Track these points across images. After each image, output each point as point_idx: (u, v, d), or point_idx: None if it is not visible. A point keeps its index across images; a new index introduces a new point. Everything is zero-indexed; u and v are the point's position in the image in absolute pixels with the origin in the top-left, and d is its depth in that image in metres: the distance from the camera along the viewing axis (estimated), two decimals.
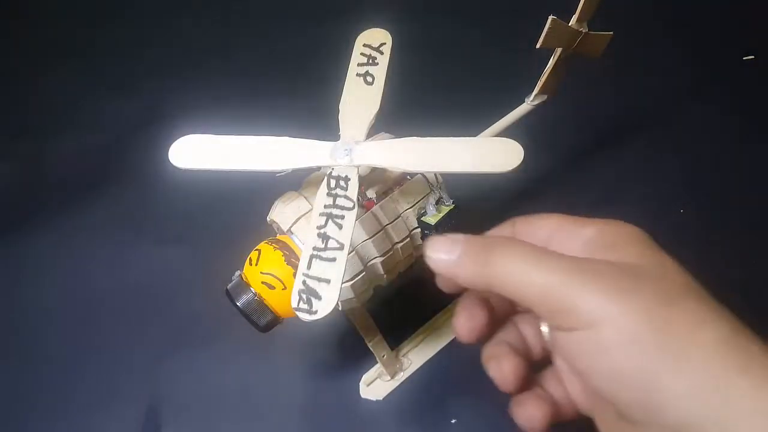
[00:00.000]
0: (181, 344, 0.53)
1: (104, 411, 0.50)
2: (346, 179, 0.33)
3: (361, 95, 0.37)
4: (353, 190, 0.33)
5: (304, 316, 0.29)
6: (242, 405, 0.50)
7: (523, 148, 0.31)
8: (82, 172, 0.67)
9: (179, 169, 0.34)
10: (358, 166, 0.34)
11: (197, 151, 0.34)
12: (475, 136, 0.46)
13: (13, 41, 0.81)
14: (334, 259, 0.30)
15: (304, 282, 0.29)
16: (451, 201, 0.40)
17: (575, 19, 0.41)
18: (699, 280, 0.27)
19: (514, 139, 0.32)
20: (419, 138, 0.34)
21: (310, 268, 0.30)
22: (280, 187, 0.40)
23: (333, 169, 0.34)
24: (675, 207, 0.58)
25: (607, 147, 0.63)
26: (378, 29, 0.39)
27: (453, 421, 0.48)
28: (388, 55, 0.38)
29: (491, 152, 0.31)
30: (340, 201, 0.32)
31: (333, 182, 0.33)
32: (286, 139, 0.35)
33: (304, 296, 0.29)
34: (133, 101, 0.72)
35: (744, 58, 0.69)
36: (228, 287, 0.38)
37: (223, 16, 0.81)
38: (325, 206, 0.32)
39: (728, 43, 0.71)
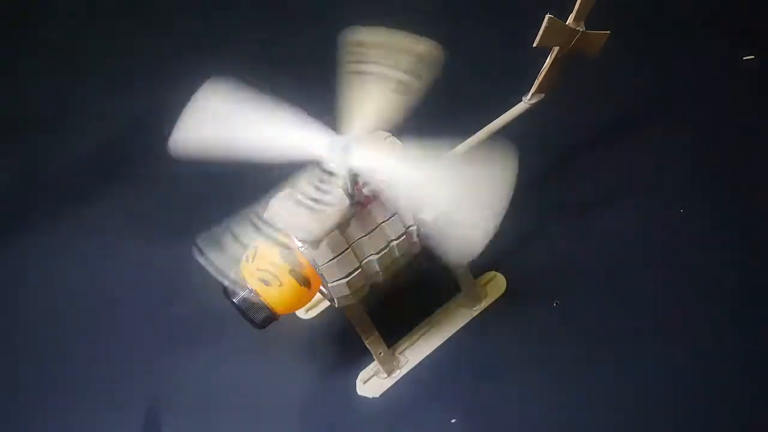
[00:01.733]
0: (181, 344, 0.53)
1: (104, 411, 0.51)
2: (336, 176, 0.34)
3: (366, 94, 0.36)
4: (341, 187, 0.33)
5: None
6: (240, 402, 0.50)
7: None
8: (83, 172, 0.67)
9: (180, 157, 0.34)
10: (350, 166, 0.34)
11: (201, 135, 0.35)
12: (474, 132, 0.46)
13: (14, 43, 0.81)
14: None
15: None
16: None
17: (572, 18, 0.41)
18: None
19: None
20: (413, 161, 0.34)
21: None
22: (278, 186, 0.40)
23: (326, 163, 0.34)
24: (675, 207, 0.58)
25: (607, 147, 0.63)
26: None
27: (453, 420, 0.48)
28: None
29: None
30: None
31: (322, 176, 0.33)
32: (288, 117, 0.35)
33: None
34: (132, 101, 0.72)
35: (744, 58, 0.69)
36: (224, 284, 0.38)
37: (223, 17, 0.81)
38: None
39: (728, 43, 0.71)
